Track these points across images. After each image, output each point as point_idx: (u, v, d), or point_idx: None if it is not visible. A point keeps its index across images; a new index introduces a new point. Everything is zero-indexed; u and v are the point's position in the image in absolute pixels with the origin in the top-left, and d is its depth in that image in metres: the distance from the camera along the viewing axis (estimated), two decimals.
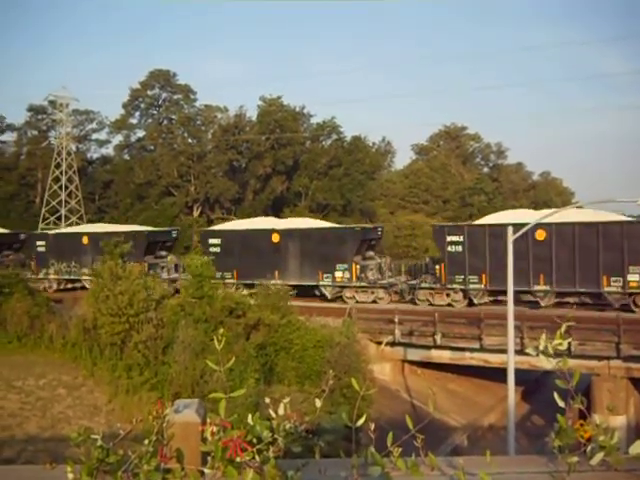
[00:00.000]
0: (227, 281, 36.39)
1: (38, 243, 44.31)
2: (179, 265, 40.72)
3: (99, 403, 21.93)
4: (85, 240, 42.23)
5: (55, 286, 42.17)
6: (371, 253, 37.52)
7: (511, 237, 17.37)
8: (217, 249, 38.26)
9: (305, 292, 35.68)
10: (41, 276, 41.85)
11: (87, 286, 40.47)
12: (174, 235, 44.48)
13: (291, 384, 23.21)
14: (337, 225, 40.22)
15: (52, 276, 42.38)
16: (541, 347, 2.91)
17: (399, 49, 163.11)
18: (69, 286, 42.39)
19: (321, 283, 36.13)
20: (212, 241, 39.40)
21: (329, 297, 35.86)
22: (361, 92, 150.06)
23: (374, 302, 34.62)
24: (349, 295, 35.64)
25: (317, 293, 36.57)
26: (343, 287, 35.95)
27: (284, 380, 23.65)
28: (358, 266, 35.36)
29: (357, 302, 34.44)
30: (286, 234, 37.51)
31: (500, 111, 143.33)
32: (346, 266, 35.36)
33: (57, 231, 50.04)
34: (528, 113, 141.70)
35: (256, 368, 22.20)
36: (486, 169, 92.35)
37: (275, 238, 37.52)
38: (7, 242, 47.25)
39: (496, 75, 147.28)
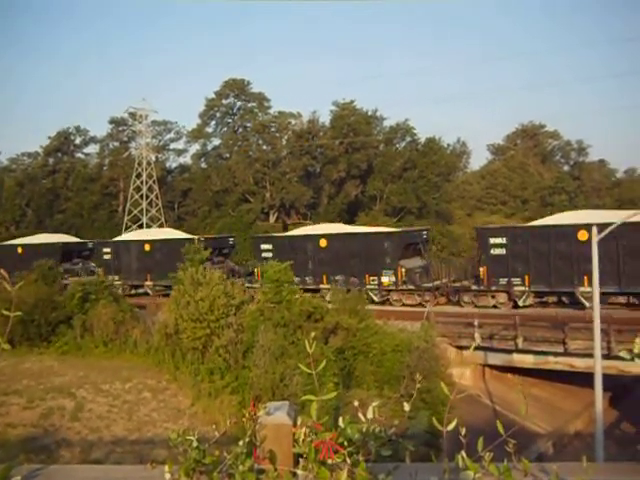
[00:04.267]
0: None
1: (104, 250, 46.26)
2: (235, 270, 42.34)
3: (182, 406, 22.40)
4: (147, 247, 44.49)
5: (120, 292, 43.48)
6: (416, 256, 37.77)
7: (596, 237, 16.80)
8: (269, 254, 38.86)
9: None
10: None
11: (149, 292, 42.69)
12: (231, 242, 46.60)
13: (370, 388, 23.12)
14: (381, 229, 40.65)
15: (117, 282, 43.79)
16: (636, 350, 2.80)
17: (470, 48, 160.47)
18: (132, 292, 44.10)
19: (368, 287, 36.43)
20: (264, 247, 40.52)
21: (376, 301, 36.17)
22: (434, 94, 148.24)
23: (420, 304, 34.55)
24: (396, 298, 36.21)
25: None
26: (389, 291, 36.45)
27: (363, 384, 23.56)
28: (403, 269, 35.79)
29: (403, 305, 35.25)
30: (332, 239, 38.42)
31: (579, 107, 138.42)
32: (391, 270, 35.86)
33: (119, 239, 51.23)
34: (610, 108, 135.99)
35: (335, 372, 22.21)
36: (567, 167, 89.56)
37: (323, 243, 38.54)
38: (77, 250, 49.83)
39: (573, 70, 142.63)
